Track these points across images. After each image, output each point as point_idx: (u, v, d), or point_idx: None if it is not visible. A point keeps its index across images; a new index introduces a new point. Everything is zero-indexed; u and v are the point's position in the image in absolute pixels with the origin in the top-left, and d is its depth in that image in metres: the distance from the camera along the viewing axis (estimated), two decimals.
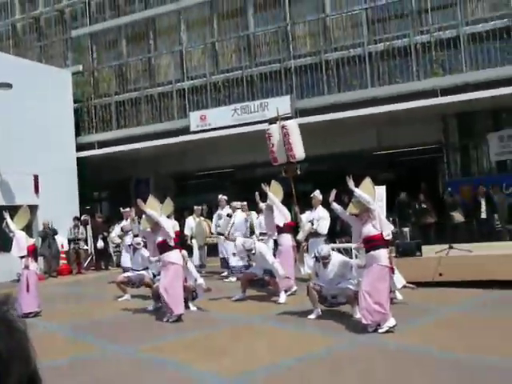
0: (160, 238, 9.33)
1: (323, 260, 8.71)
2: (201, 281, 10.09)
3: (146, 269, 11.60)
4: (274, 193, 11.47)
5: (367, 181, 8.23)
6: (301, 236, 10.74)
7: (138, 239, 11.71)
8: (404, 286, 9.68)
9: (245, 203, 14.03)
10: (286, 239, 11.52)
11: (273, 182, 11.76)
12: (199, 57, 20.89)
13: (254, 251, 10.65)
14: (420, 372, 5.86)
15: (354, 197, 8.06)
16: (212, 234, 14.93)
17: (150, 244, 9.81)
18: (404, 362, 6.23)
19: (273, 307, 10.01)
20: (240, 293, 10.91)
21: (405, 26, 17.59)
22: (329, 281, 8.67)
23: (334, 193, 8.51)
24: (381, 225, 7.74)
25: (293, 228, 11.89)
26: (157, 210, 9.59)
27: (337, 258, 8.86)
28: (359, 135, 18.43)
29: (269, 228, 11.81)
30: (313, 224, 11.55)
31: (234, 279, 13.23)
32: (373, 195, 8.04)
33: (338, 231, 15.30)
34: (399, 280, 9.52)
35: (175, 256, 9.35)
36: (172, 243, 9.31)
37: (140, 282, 11.79)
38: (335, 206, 8.44)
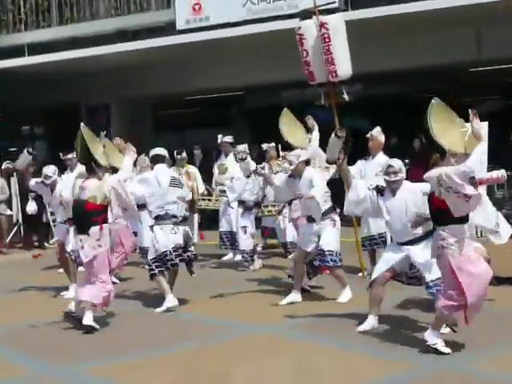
0: None
1: (390, 177, 8.85)
2: None
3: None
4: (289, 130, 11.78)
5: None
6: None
7: None
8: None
9: (244, 146, 14.09)
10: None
11: (285, 110, 12.02)
12: None
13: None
14: None
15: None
16: (201, 196, 15.23)
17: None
18: None
19: (307, 308, 10.12)
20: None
21: None
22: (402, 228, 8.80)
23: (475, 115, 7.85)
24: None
25: None
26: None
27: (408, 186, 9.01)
28: (446, 41, 18.14)
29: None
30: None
31: (254, 267, 13.68)
32: None
33: None
34: None
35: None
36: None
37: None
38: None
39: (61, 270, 13.29)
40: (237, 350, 8.33)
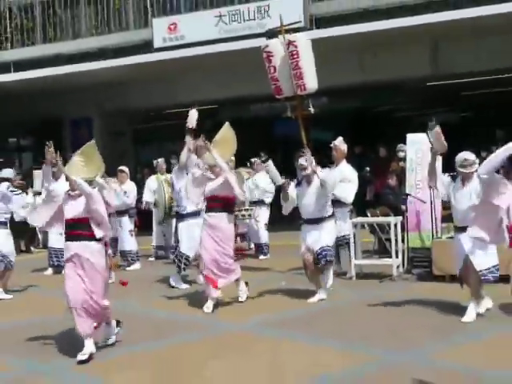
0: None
1: (466, 169, 8.91)
2: None
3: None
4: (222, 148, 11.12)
5: None
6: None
7: None
8: None
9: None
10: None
11: (226, 125, 11.51)
12: None
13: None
14: None
15: None
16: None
17: None
18: None
19: (276, 305, 10.16)
20: None
21: None
22: None
23: None
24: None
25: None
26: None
27: None
28: (405, 57, 18.25)
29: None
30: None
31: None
32: None
33: (371, 199, 15.42)
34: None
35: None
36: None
37: None
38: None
39: (47, 273, 14.26)
40: (209, 348, 8.19)
